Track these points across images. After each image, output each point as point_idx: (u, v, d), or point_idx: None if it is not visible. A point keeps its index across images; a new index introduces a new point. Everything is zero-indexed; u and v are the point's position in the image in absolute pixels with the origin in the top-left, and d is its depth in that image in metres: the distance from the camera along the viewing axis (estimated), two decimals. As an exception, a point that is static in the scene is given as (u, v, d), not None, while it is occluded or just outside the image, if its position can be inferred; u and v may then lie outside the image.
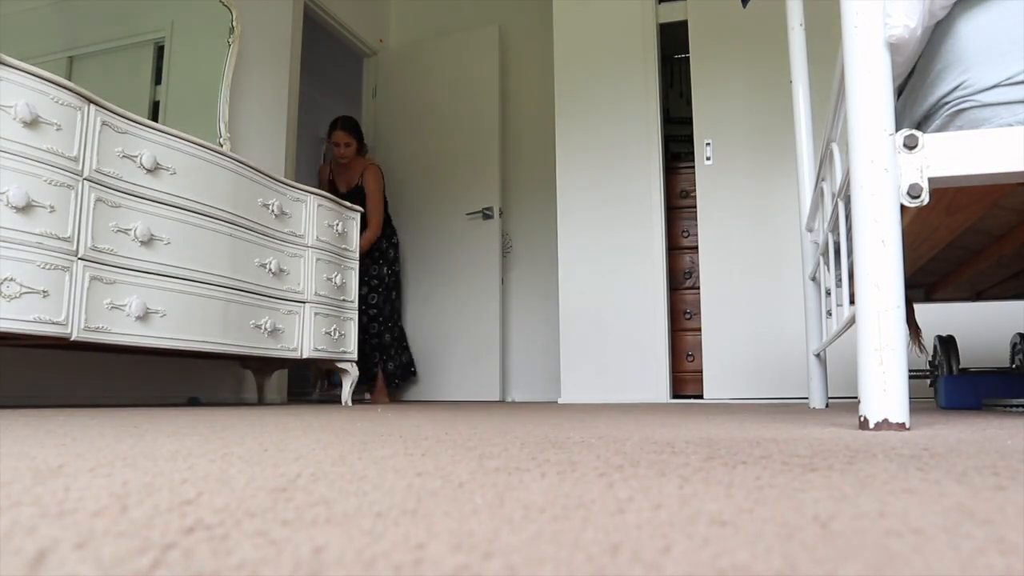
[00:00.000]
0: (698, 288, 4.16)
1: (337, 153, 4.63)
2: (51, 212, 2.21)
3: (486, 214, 5.03)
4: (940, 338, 2.79)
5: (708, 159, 4.15)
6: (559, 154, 4.39)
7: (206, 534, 0.39)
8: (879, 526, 0.42)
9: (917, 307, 2.88)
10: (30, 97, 2.17)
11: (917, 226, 1.72)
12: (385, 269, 4.68)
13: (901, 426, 1.24)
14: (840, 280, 2.05)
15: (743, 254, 4.03)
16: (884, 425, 1.25)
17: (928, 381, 2.94)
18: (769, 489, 0.56)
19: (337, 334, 3.50)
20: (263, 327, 3.06)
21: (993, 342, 3.60)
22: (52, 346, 2.69)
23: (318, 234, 3.42)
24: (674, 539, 0.38)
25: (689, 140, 4.34)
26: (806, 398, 3.68)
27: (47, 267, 2.20)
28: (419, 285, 5.24)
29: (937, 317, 3.53)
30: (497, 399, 4.94)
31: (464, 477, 0.63)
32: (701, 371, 4.07)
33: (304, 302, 3.32)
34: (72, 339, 2.30)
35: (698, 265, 4.15)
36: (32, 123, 2.17)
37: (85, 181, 2.34)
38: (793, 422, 1.62)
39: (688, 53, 4.31)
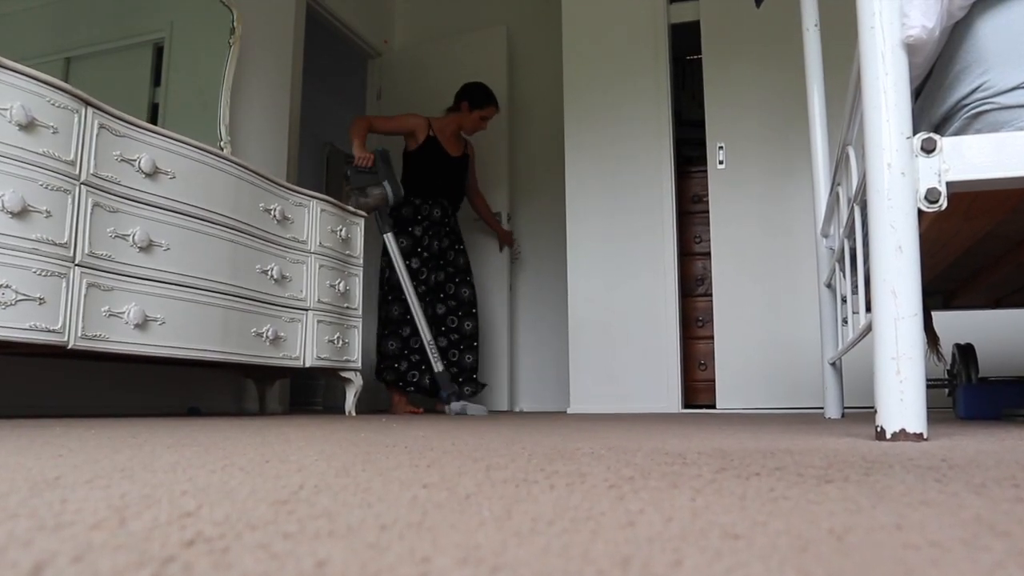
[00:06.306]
0: (711, 295, 4.10)
1: (483, 128, 4.46)
2: (47, 217, 2.18)
3: (497, 218, 4.98)
4: (959, 346, 2.75)
5: (721, 163, 4.09)
6: (568, 157, 4.34)
7: (206, 547, 0.39)
8: (896, 539, 0.42)
9: (935, 314, 2.84)
10: (26, 99, 2.14)
11: (935, 232, 1.70)
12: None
13: (919, 436, 1.23)
14: (856, 287, 2.04)
15: (757, 260, 3.98)
16: (901, 435, 1.24)
17: (946, 390, 2.90)
18: (783, 501, 0.56)
19: (341, 342, 3.46)
20: (264, 335, 3.02)
21: (1013, 350, 3.54)
22: (49, 355, 2.66)
23: (321, 240, 3.38)
24: (686, 552, 0.38)
25: (701, 143, 4.28)
26: (821, 408, 3.62)
27: (43, 274, 2.17)
28: (428, 291, 5.20)
29: (955, 325, 3.46)
30: (505, 409, 4.90)
31: (471, 489, 0.63)
32: (714, 380, 4.01)
33: (307, 309, 3.28)
34: (69, 347, 2.26)
35: (711, 271, 4.09)
36: (28, 126, 2.13)
37: (82, 185, 2.31)
38: (808, 432, 1.62)
39: (700, 54, 4.25)
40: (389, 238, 4.07)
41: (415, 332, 4.08)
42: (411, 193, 4.22)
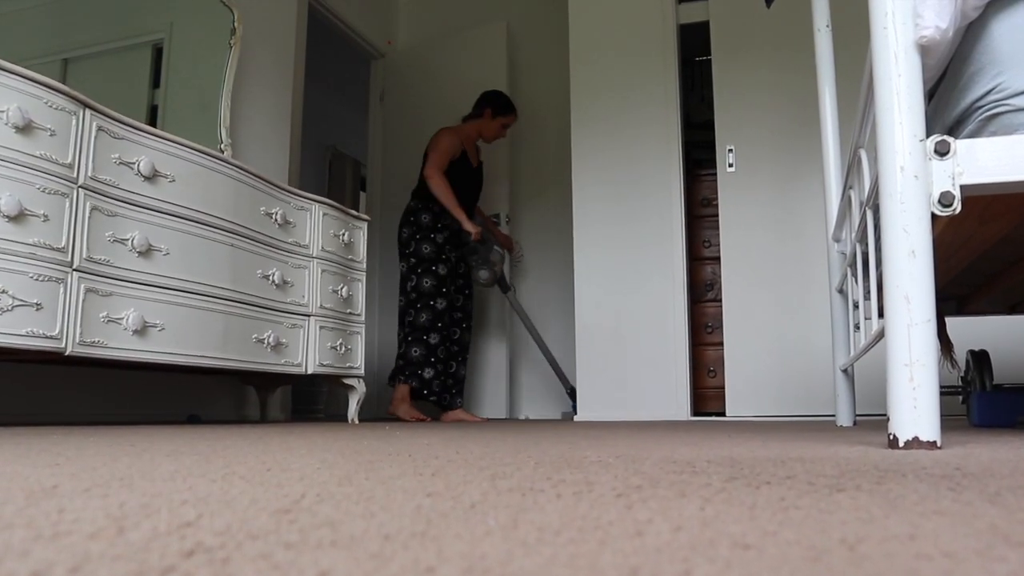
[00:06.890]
0: (720, 300, 4.05)
1: (502, 136, 4.46)
2: (45, 221, 2.16)
3: (494, 221, 4.93)
4: (973, 353, 2.71)
5: (731, 166, 4.05)
6: (575, 160, 4.30)
7: (206, 557, 0.39)
8: (909, 549, 0.41)
9: (949, 320, 2.80)
10: (23, 101, 2.12)
11: (949, 236, 1.68)
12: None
13: (932, 445, 1.22)
14: (868, 292, 2.02)
15: (767, 265, 3.93)
16: (914, 444, 1.22)
17: (960, 398, 2.86)
18: (794, 511, 0.55)
19: (343, 349, 3.43)
20: (266, 341, 2.99)
21: (1029, 357, 3.48)
22: (46, 361, 2.64)
23: (323, 244, 3.35)
24: (695, 563, 0.38)
25: (711, 146, 4.24)
26: (833, 415, 3.57)
27: (40, 279, 2.14)
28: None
29: (970, 331, 3.42)
30: (504, 416, 4.83)
31: (476, 498, 0.63)
32: (723, 387, 3.96)
33: (309, 315, 3.25)
34: (66, 354, 2.24)
35: (720, 276, 4.04)
36: (25, 128, 2.11)
37: (80, 189, 2.28)
38: (819, 440, 1.61)
39: (710, 55, 4.21)
40: (512, 296, 4.34)
41: (442, 341, 4.06)
42: (432, 202, 4.14)
